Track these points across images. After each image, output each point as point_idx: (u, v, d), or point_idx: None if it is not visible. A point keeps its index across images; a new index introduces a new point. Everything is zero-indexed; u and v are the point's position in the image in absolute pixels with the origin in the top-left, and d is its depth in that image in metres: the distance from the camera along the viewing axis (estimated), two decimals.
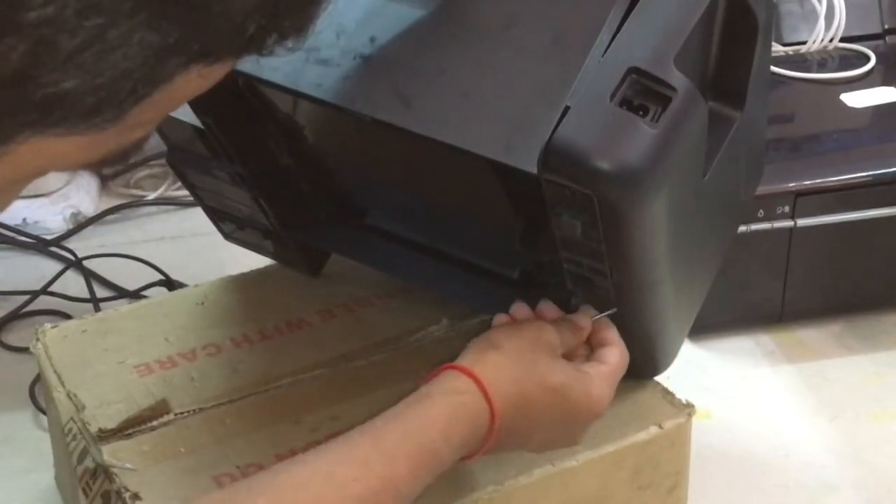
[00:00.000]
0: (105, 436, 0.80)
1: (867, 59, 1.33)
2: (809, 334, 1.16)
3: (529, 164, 0.64)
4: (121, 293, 1.23)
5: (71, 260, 1.29)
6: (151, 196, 1.44)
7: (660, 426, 0.82)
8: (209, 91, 0.51)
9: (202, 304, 0.95)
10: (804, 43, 1.37)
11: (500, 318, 0.77)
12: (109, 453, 0.79)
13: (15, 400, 1.06)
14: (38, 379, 0.98)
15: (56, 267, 1.27)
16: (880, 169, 1.12)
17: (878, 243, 1.13)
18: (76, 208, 1.39)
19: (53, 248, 1.32)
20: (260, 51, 0.49)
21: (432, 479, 0.66)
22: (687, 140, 0.66)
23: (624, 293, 0.75)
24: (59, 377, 0.86)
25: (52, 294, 1.21)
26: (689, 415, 0.83)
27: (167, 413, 0.82)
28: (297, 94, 0.70)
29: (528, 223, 0.78)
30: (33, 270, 1.29)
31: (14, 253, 1.33)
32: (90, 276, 1.25)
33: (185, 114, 0.80)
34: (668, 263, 0.74)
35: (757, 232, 1.08)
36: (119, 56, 0.44)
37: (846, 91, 1.26)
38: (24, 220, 1.35)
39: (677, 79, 0.64)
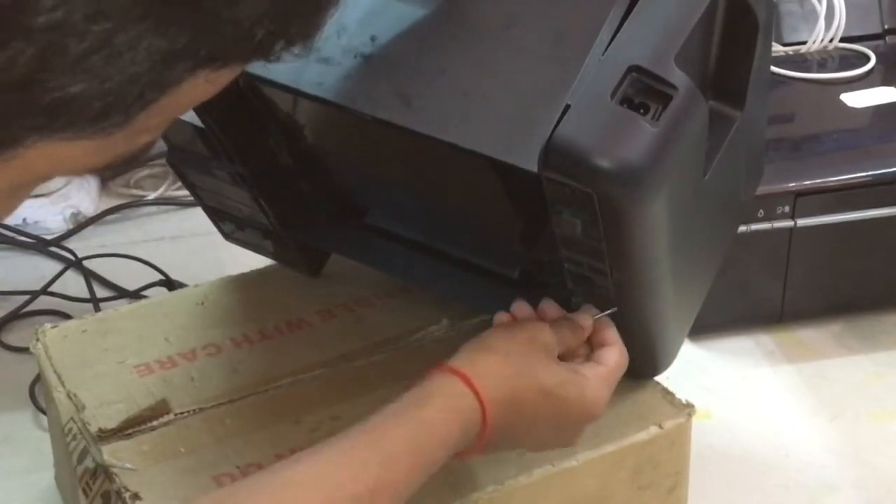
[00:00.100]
0: (105, 436, 0.80)
1: (867, 59, 1.33)
2: (809, 334, 1.16)
3: (530, 162, 0.64)
4: (121, 293, 1.23)
5: (71, 260, 1.29)
6: (151, 196, 1.44)
7: (660, 426, 0.82)
8: None
9: (202, 304, 0.95)
10: (804, 43, 1.38)
11: (500, 316, 0.77)
12: (109, 453, 0.79)
13: (15, 400, 1.06)
14: (38, 379, 0.98)
15: (56, 267, 1.27)
16: (880, 169, 1.12)
17: (878, 243, 1.13)
18: (76, 208, 1.39)
19: (53, 248, 1.32)
20: (267, 56, 0.49)
21: (427, 477, 0.67)
22: (687, 139, 0.66)
23: (624, 292, 0.75)
24: (59, 377, 0.86)
25: (52, 294, 1.22)
26: (689, 415, 0.83)
27: (167, 413, 0.82)
28: (297, 94, 0.70)
29: (528, 222, 0.78)
30: (33, 270, 1.29)
31: (14, 253, 1.33)
32: (90, 276, 1.25)
33: (186, 113, 0.80)
34: (669, 262, 0.74)
35: (757, 232, 1.08)
36: (127, 61, 0.44)
37: (846, 91, 1.26)
38: (24, 220, 1.35)
39: (678, 77, 0.64)
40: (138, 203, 1.43)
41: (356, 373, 0.87)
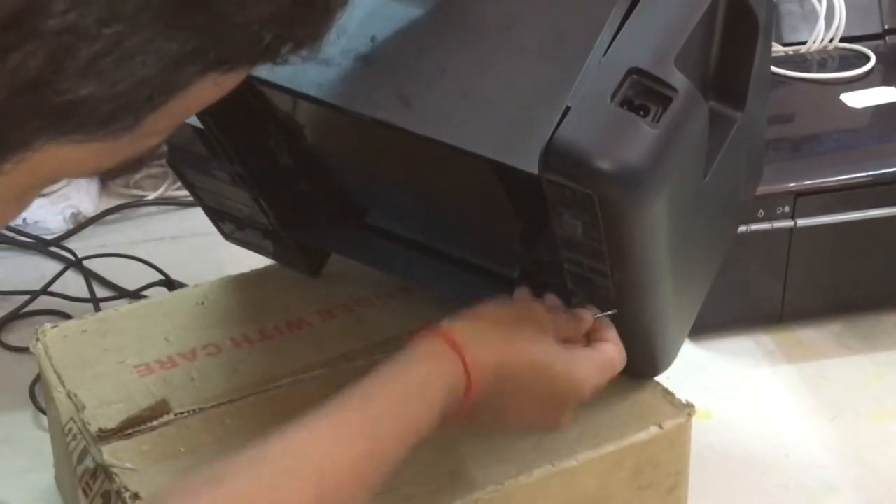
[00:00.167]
0: (105, 436, 0.80)
1: (867, 59, 1.33)
2: (809, 334, 1.16)
3: (530, 164, 0.64)
4: (121, 293, 1.23)
5: (71, 260, 1.29)
6: (151, 196, 1.44)
7: (660, 426, 0.82)
8: None
9: (202, 304, 0.95)
10: (804, 43, 1.38)
11: (498, 297, 0.77)
12: (109, 453, 0.79)
13: (15, 400, 1.06)
14: (38, 379, 0.98)
15: (56, 267, 1.27)
16: (880, 169, 1.12)
17: (878, 243, 1.13)
18: (76, 208, 1.39)
19: (53, 248, 1.32)
20: (275, 59, 0.50)
21: (417, 440, 0.67)
22: (688, 140, 0.66)
23: (624, 293, 0.75)
24: (59, 377, 0.86)
25: (52, 294, 1.22)
26: (689, 415, 0.83)
27: (167, 413, 0.82)
28: (297, 95, 0.70)
29: (528, 223, 0.78)
30: (33, 270, 1.29)
31: (14, 253, 1.33)
32: (90, 276, 1.25)
33: None
34: (669, 263, 0.74)
35: (757, 232, 1.08)
36: (137, 64, 0.44)
37: (846, 91, 1.26)
38: (24, 220, 1.35)
39: (678, 79, 0.64)
40: (138, 203, 1.43)
41: (356, 373, 0.86)
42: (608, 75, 0.64)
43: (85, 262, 1.27)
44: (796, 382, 1.10)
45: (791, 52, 1.37)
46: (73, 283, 1.24)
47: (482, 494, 0.76)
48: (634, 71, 0.64)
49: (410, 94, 0.67)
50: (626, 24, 0.66)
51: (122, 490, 0.76)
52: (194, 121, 0.81)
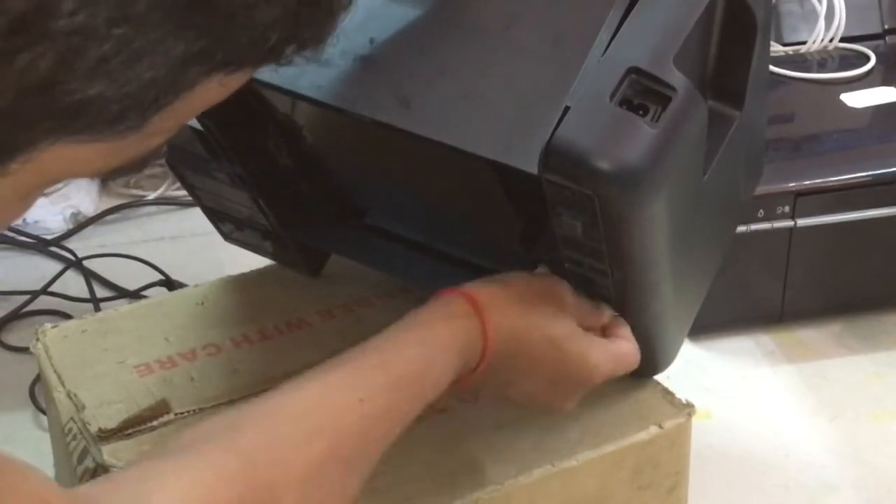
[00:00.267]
0: (105, 436, 0.80)
1: (867, 59, 1.33)
2: (809, 334, 1.16)
3: (530, 164, 0.64)
4: (121, 293, 1.23)
5: (71, 260, 1.29)
6: (151, 196, 1.45)
7: (660, 426, 0.82)
8: None
9: (202, 304, 0.95)
10: (804, 43, 1.38)
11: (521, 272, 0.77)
12: (109, 453, 0.79)
13: (15, 400, 1.06)
14: (38, 379, 0.98)
15: (56, 267, 1.27)
16: (880, 169, 1.12)
17: (878, 243, 1.13)
18: (76, 208, 1.39)
19: (53, 248, 1.32)
20: (279, 60, 0.50)
21: (432, 399, 0.67)
22: (687, 140, 0.66)
23: (624, 292, 0.75)
24: (59, 377, 0.86)
25: (52, 294, 1.22)
26: (689, 415, 0.83)
27: (167, 413, 0.82)
28: (297, 97, 0.70)
29: (528, 223, 0.78)
30: (33, 270, 1.29)
31: (14, 253, 1.33)
32: (90, 276, 1.25)
33: None
34: (669, 263, 0.74)
35: (757, 232, 1.08)
36: (145, 64, 0.44)
37: (846, 91, 1.26)
38: (24, 220, 1.35)
39: (677, 79, 0.64)
40: (138, 203, 1.43)
41: None
42: (607, 75, 0.64)
43: (85, 262, 1.28)
44: (796, 382, 1.10)
45: (791, 52, 1.37)
46: (73, 283, 1.24)
47: (482, 494, 0.76)
48: (633, 70, 0.64)
49: (410, 95, 0.67)
50: (625, 24, 0.66)
51: None
52: (194, 122, 0.81)
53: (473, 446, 0.79)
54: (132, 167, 0.51)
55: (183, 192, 1.38)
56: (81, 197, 1.40)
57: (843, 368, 1.12)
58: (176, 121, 0.49)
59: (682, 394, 0.85)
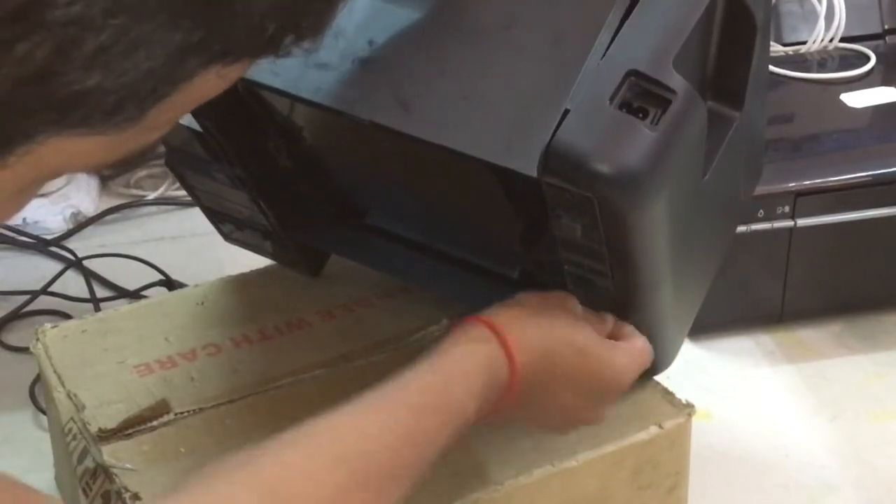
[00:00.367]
0: (105, 436, 0.80)
1: (867, 59, 1.33)
2: (809, 334, 1.16)
3: (529, 167, 0.64)
4: (121, 293, 1.23)
5: (71, 260, 1.29)
6: (151, 196, 1.45)
7: (660, 426, 0.82)
8: None
9: (202, 304, 0.95)
10: (804, 43, 1.38)
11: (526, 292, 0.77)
12: (109, 453, 0.79)
13: (15, 400, 1.06)
14: (38, 379, 0.98)
15: (56, 267, 1.27)
16: (880, 169, 1.12)
17: (878, 243, 1.13)
18: (76, 208, 1.39)
19: (53, 248, 1.32)
20: (277, 51, 0.50)
21: (462, 427, 0.67)
22: (686, 142, 0.66)
23: (624, 294, 0.75)
24: (59, 377, 0.86)
25: (52, 294, 1.22)
26: (689, 415, 0.84)
27: (167, 413, 0.82)
28: (296, 99, 0.70)
29: (528, 224, 0.78)
30: (33, 270, 1.29)
31: (14, 253, 1.33)
32: (90, 276, 1.25)
33: (184, 117, 0.80)
34: (669, 264, 0.74)
35: (757, 232, 1.08)
36: (142, 55, 0.44)
37: (846, 91, 1.26)
38: (24, 220, 1.35)
39: (676, 81, 0.64)
40: (138, 203, 1.43)
41: (356, 373, 0.87)
42: (607, 77, 0.64)
43: (85, 262, 1.27)
44: (796, 382, 1.10)
45: (791, 52, 1.37)
46: (73, 283, 1.24)
47: (482, 494, 0.76)
48: (633, 73, 0.64)
49: (409, 97, 0.67)
50: (625, 26, 0.66)
51: (122, 490, 0.76)
52: (193, 124, 0.81)
53: (474, 446, 0.79)
54: (130, 161, 0.51)
55: (183, 192, 1.38)
56: (81, 197, 1.40)
57: (843, 368, 1.12)
58: (174, 113, 0.49)
59: (682, 394, 0.85)
